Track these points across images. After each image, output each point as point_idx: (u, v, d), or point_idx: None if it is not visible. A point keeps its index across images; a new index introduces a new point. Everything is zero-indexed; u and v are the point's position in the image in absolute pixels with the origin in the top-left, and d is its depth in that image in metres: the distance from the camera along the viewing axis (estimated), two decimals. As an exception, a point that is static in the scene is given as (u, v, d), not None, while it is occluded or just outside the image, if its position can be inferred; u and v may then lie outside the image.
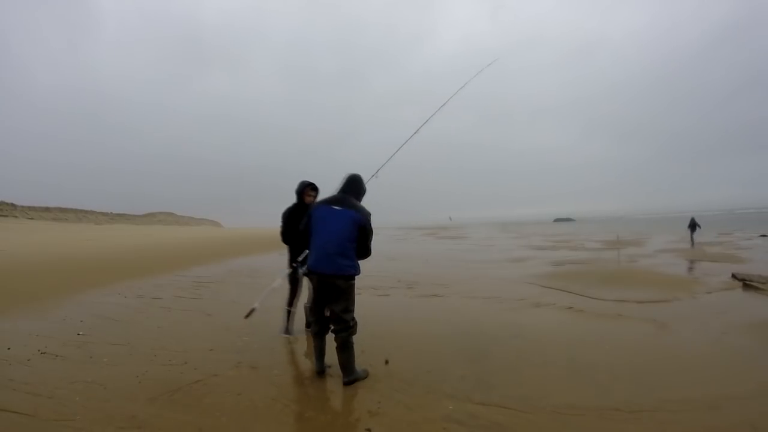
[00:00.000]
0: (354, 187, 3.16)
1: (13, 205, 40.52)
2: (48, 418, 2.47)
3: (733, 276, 7.39)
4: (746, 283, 6.79)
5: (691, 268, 9.76)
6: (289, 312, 4.25)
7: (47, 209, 44.68)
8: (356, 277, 2.98)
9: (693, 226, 17.35)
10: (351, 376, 2.96)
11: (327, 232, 2.92)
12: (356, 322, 3.02)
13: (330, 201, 3.05)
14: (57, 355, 3.64)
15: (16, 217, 36.85)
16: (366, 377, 3.07)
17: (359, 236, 2.94)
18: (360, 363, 3.40)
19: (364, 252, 3.03)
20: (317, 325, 3.10)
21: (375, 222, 3.05)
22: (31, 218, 38.46)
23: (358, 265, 2.97)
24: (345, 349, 2.96)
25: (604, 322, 4.78)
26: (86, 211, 50.83)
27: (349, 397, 2.82)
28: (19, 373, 3.19)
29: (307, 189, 4.17)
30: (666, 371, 3.20)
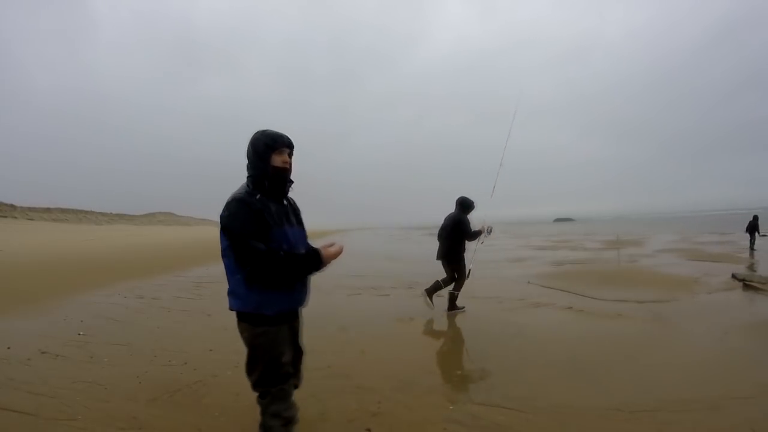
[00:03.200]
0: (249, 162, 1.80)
1: (12, 206, 40.48)
2: (50, 418, 2.48)
3: (733, 276, 7.39)
4: (746, 284, 6.79)
5: (691, 268, 9.75)
6: (454, 296, 5.33)
7: (48, 210, 44.62)
8: (253, 315, 1.73)
9: (754, 228, 14.52)
10: None
11: None
12: (270, 396, 1.79)
13: None
14: (58, 355, 3.65)
15: (15, 218, 36.80)
16: None
17: (230, 248, 1.70)
18: (359, 363, 3.40)
19: (243, 264, 1.67)
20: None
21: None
22: (32, 219, 38.42)
23: (251, 295, 1.69)
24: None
25: (604, 322, 4.78)
26: (86, 212, 50.76)
27: (349, 397, 2.82)
28: (20, 373, 3.20)
29: (472, 205, 5.32)
30: (666, 371, 3.20)
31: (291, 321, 1.89)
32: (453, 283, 5.30)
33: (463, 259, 5.32)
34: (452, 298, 5.33)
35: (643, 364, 3.37)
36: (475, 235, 5.27)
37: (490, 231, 5.35)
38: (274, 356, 1.78)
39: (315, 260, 1.75)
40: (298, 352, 1.98)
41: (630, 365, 3.35)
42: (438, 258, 5.45)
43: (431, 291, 5.33)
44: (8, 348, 3.79)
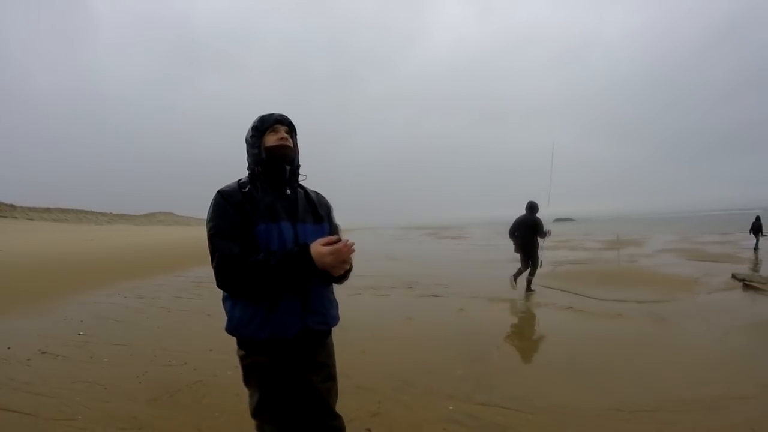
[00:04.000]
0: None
1: (12, 206, 40.49)
2: (50, 418, 2.48)
3: (733, 276, 7.39)
4: (746, 284, 6.79)
5: (691, 268, 9.75)
6: (530, 280, 6.77)
7: (48, 210, 44.63)
8: (238, 339, 1.43)
9: (758, 229, 14.57)
10: None
11: None
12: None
13: None
14: (58, 355, 3.65)
15: (15, 218, 36.80)
16: None
17: None
18: (359, 363, 3.40)
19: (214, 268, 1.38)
20: None
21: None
22: (32, 219, 38.42)
23: (233, 311, 1.39)
24: None
25: (604, 322, 4.79)
26: (86, 212, 50.75)
27: (349, 397, 2.82)
28: (20, 373, 3.20)
29: (538, 207, 6.80)
30: (666, 371, 3.20)
31: (289, 352, 1.38)
32: (530, 269, 6.67)
33: (538, 251, 6.74)
34: (529, 282, 6.70)
35: (642, 364, 3.37)
36: (544, 234, 6.69)
37: (550, 233, 6.86)
38: (262, 390, 1.44)
39: (299, 260, 1.27)
40: (317, 403, 1.45)
41: (630, 365, 3.35)
42: (517, 251, 6.83)
43: (517, 275, 6.68)
44: (8, 348, 3.79)
